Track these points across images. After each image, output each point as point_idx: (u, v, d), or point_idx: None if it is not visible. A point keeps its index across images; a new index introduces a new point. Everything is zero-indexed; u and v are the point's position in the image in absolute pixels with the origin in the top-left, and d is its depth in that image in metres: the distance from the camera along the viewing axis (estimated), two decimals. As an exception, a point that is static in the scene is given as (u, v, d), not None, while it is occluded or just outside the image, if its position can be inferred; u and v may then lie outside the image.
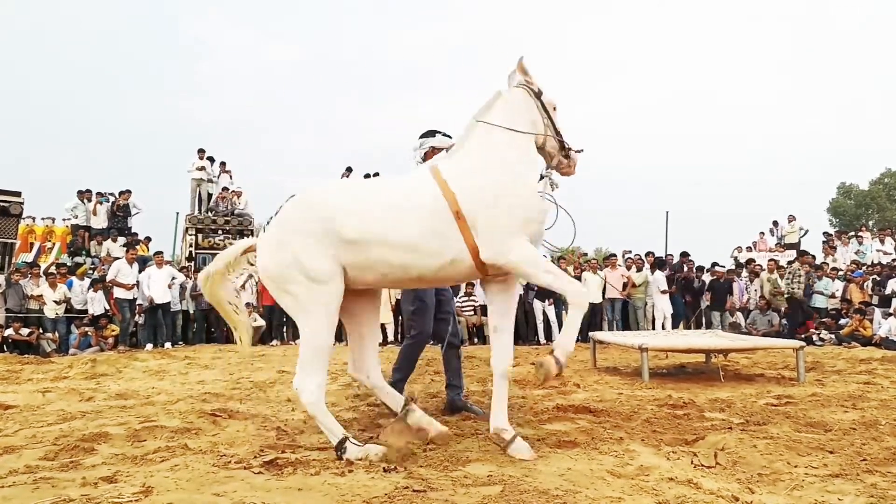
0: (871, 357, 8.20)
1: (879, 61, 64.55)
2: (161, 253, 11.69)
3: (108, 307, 10.50)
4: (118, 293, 10.29)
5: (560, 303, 11.35)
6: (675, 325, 11.70)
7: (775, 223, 17.67)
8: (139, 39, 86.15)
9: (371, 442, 3.28)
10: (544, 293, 11.25)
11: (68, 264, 11.90)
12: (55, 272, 10.70)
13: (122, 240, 13.38)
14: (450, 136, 4.23)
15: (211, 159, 15.32)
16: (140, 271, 10.71)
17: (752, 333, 10.35)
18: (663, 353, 7.97)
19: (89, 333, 10.13)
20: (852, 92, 66.98)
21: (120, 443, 3.55)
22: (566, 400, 4.89)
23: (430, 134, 4.36)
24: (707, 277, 12.64)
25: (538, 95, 3.59)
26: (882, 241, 15.31)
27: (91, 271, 11.59)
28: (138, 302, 10.48)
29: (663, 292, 11.90)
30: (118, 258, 11.20)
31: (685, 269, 12.74)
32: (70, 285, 10.64)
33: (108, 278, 10.44)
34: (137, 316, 10.51)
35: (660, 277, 12.06)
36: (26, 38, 74.06)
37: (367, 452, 3.09)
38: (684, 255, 12.89)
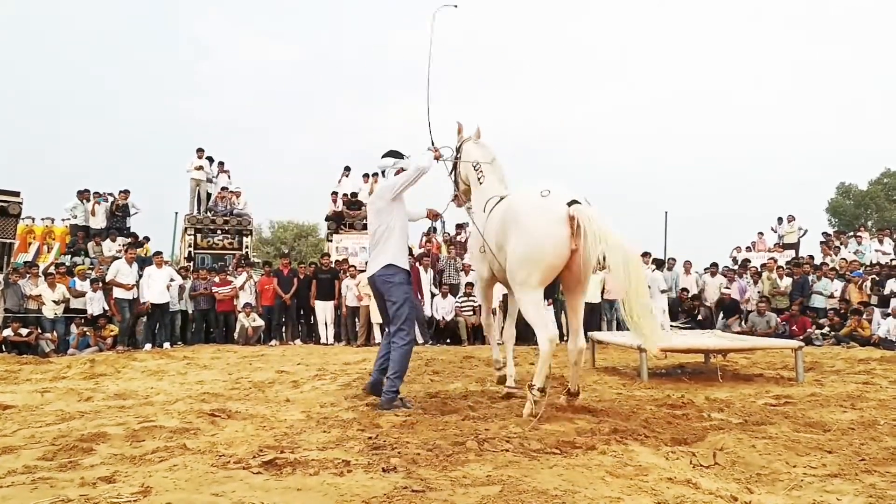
0: (870, 357, 8.21)
1: (879, 61, 64.57)
2: (160, 253, 11.67)
3: (107, 307, 10.49)
4: (117, 293, 10.27)
5: (559, 303, 11.37)
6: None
7: (779, 220, 17.63)
8: (139, 39, 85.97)
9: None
10: (543, 293, 11.22)
11: (67, 264, 11.88)
12: (54, 272, 10.68)
13: (120, 240, 13.36)
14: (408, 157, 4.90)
15: (210, 159, 15.29)
16: (140, 271, 10.70)
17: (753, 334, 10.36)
18: (662, 354, 7.97)
19: (87, 333, 10.11)
20: (852, 92, 66.94)
21: (118, 443, 3.55)
22: (566, 400, 4.88)
23: (399, 155, 4.87)
24: (710, 285, 12.60)
25: None
26: (881, 242, 15.31)
27: (90, 271, 11.57)
28: (142, 301, 10.45)
29: (662, 292, 11.90)
30: (117, 258, 11.18)
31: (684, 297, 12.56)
32: (73, 285, 10.63)
33: (108, 278, 10.43)
34: (142, 317, 10.51)
35: (658, 277, 12.05)
36: (26, 37, 73.93)
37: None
38: (684, 290, 12.72)
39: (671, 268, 12.75)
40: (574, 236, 3.95)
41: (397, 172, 4.71)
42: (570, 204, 3.99)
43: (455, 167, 5.30)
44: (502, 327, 4.55)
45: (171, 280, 10.74)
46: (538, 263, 4.07)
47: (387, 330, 4.69)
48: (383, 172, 4.85)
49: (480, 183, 5.01)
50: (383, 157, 4.88)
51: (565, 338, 11.14)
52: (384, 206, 4.62)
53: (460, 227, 14.54)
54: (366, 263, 6.48)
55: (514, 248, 4.21)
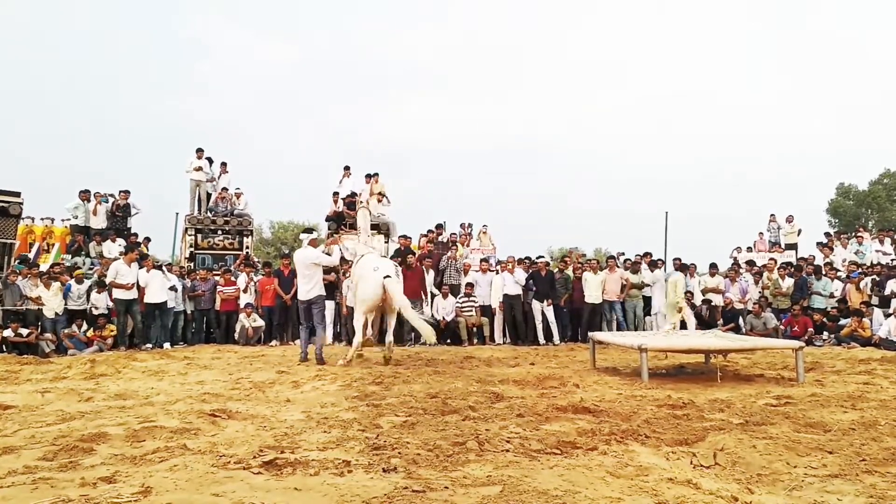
0: (871, 357, 8.20)
1: (880, 61, 64.54)
2: (147, 256, 11.55)
3: (108, 307, 10.47)
4: (116, 293, 10.27)
5: (556, 307, 11.38)
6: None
7: (771, 217, 17.61)
8: (138, 39, 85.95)
9: None
10: (543, 294, 11.25)
11: (67, 265, 11.85)
12: (54, 272, 10.66)
13: (120, 240, 13.33)
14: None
15: (209, 159, 15.28)
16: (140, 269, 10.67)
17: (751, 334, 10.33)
18: (663, 354, 7.98)
19: (75, 334, 10.07)
20: (852, 92, 66.89)
21: (119, 443, 3.55)
22: (566, 400, 4.89)
23: (311, 231, 8.97)
24: (710, 285, 12.58)
25: None
26: (881, 242, 15.28)
27: (90, 272, 11.54)
28: (146, 301, 10.43)
29: (643, 286, 12.02)
30: (117, 258, 11.16)
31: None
32: (69, 289, 10.59)
33: (108, 280, 10.42)
34: (143, 316, 10.50)
35: (650, 276, 12.10)
36: (25, 37, 73.98)
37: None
38: (688, 292, 12.71)
39: (679, 269, 12.78)
40: (384, 293, 7.66)
41: (311, 241, 8.32)
42: (385, 277, 7.69)
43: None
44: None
45: (165, 274, 10.71)
46: (366, 303, 7.87)
47: (304, 325, 8.25)
48: (302, 242, 8.39)
49: (363, 233, 9.18)
50: (303, 232, 8.77)
51: (566, 337, 11.35)
52: (312, 265, 8.10)
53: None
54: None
55: (358, 292, 8.11)
